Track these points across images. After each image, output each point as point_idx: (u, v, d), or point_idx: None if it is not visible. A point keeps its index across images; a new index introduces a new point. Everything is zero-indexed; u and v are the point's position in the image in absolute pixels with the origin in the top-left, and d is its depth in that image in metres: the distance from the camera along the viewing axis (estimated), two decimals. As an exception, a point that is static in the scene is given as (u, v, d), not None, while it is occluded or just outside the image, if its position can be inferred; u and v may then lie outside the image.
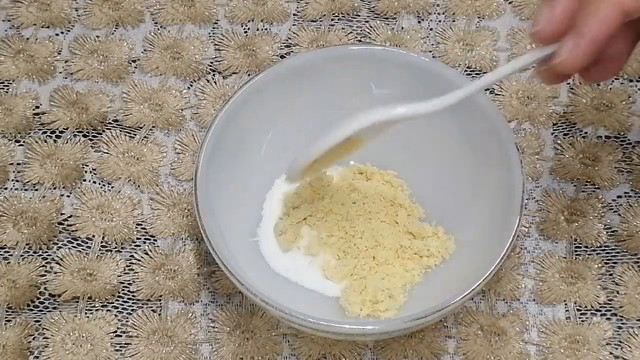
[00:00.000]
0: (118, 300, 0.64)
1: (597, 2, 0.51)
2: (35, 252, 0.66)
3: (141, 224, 0.67)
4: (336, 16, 0.76)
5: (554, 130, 0.71)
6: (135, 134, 0.71)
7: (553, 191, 0.68)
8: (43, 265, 0.66)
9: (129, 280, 0.65)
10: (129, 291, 0.65)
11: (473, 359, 0.62)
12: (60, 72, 0.73)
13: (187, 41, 0.74)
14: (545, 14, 0.52)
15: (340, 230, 0.64)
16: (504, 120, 0.62)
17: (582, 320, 0.64)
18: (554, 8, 0.52)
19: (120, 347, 0.63)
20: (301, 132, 0.66)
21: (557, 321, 0.64)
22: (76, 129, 0.71)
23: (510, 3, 0.76)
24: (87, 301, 0.64)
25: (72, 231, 0.67)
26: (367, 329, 0.57)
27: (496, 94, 0.72)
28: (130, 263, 0.66)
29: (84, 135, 0.71)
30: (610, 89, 0.72)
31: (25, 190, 0.69)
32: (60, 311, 0.64)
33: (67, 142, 0.70)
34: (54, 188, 0.68)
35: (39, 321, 0.64)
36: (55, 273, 0.65)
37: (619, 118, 0.71)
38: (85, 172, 0.69)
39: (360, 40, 0.74)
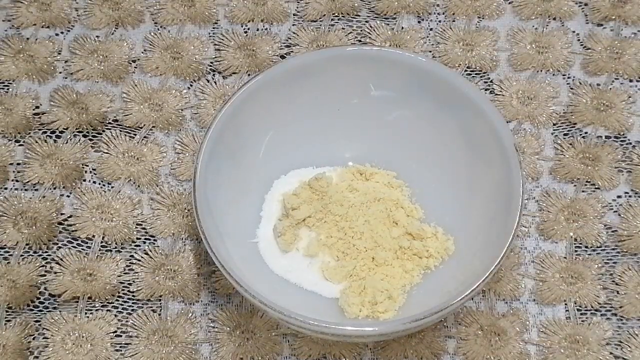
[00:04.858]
0: (118, 300, 0.65)
1: None
2: (35, 252, 0.66)
3: (141, 224, 0.67)
4: (336, 16, 0.76)
5: (554, 130, 0.71)
6: (135, 134, 0.71)
7: (553, 191, 0.68)
8: (43, 265, 0.66)
9: (129, 280, 0.65)
10: (129, 291, 0.65)
11: (473, 359, 0.62)
12: (60, 72, 0.73)
13: (187, 41, 0.74)
14: None
15: (340, 231, 0.64)
16: (504, 120, 0.62)
17: (582, 320, 0.64)
18: None
19: (120, 347, 0.63)
20: (300, 133, 0.66)
21: (557, 321, 0.64)
22: (76, 129, 0.71)
23: (510, 3, 0.76)
24: (87, 301, 0.64)
25: (72, 231, 0.67)
26: (366, 330, 0.57)
27: (496, 94, 0.72)
28: (130, 263, 0.66)
29: (84, 135, 0.71)
30: (610, 89, 0.72)
31: (25, 190, 0.69)
32: (60, 311, 0.64)
33: (67, 142, 0.70)
34: (54, 188, 0.69)
35: (39, 321, 0.64)
36: (55, 273, 0.65)
37: (619, 118, 0.71)
38: (85, 172, 0.69)
39: (360, 41, 0.74)
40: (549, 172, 0.69)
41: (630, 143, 0.70)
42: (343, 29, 0.75)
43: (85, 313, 0.64)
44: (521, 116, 0.71)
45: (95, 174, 0.69)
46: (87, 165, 0.69)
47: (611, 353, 0.63)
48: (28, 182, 0.69)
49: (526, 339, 0.63)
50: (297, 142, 0.67)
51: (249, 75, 0.73)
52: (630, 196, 0.68)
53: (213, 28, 0.75)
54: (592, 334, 0.63)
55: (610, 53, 0.73)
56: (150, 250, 0.66)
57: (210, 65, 0.74)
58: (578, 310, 0.64)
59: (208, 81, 0.73)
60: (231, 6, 0.76)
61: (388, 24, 0.75)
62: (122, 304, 0.64)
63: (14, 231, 0.67)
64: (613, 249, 0.66)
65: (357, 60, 0.65)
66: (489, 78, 0.73)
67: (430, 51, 0.74)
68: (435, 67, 0.65)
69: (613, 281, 0.65)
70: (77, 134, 0.71)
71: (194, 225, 0.65)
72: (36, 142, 0.70)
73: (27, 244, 0.66)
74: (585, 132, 0.70)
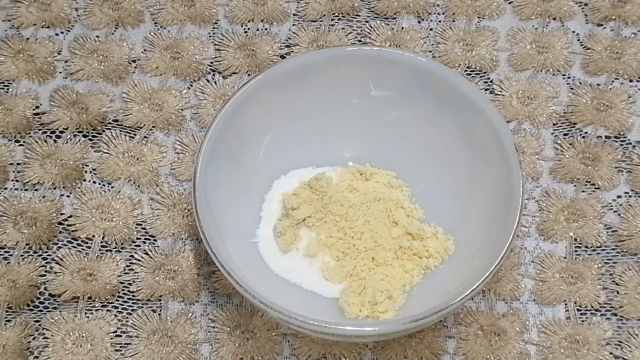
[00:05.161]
0: (118, 300, 0.65)
1: None
2: (35, 252, 0.66)
3: (141, 224, 0.67)
4: (336, 16, 0.76)
5: (554, 130, 0.71)
6: (135, 134, 0.71)
7: (553, 191, 0.68)
8: (43, 265, 0.66)
9: (129, 280, 0.65)
10: (129, 291, 0.65)
11: (473, 359, 0.62)
12: (60, 72, 0.73)
13: (187, 41, 0.74)
14: None
15: (340, 231, 0.64)
16: (504, 120, 0.62)
17: (582, 320, 0.64)
18: None
19: (120, 347, 0.63)
20: (300, 133, 0.66)
21: (557, 321, 0.64)
22: (76, 129, 0.71)
23: (510, 3, 0.76)
24: (87, 301, 0.64)
25: (72, 231, 0.67)
26: (366, 330, 0.57)
27: (496, 94, 0.72)
28: (130, 263, 0.66)
29: (84, 135, 0.71)
30: (610, 89, 0.72)
31: (25, 190, 0.69)
32: (60, 311, 0.64)
33: (67, 142, 0.70)
34: (54, 188, 0.69)
35: (39, 321, 0.64)
36: (55, 273, 0.65)
37: (619, 118, 0.71)
38: (85, 172, 0.69)
39: (360, 41, 0.74)
40: (549, 172, 0.69)
41: (630, 143, 0.70)
42: (343, 29, 0.75)
43: (85, 313, 0.64)
44: (521, 116, 0.71)
45: (95, 174, 0.69)
46: (87, 165, 0.69)
47: (611, 353, 0.63)
48: (28, 182, 0.69)
49: (526, 339, 0.63)
50: (297, 142, 0.67)
51: (249, 75, 0.73)
52: (630, 196, 0.68)
53: (213, 28, 0.75)
54: (592, 334, 0.63)
55: (610, 53, 0.73)
56: (150, 250, 0.66)
57: (210, 65, 0.74)
58: (578, 310, 0.64)
59: (208, 81, 0.73)
60: (231, 6, 0.76)
61: (388, 24, 0.75)
62: (122, 304, 0.64)
63: (14, 231, 0.67)
64: (613, 249, 0.66)
65: (357, 60, 0.65)
66: (489, 78, 0.73)
67: (430, 51, 0.74)
68: (435, 67, 0.65)
69: (613, 281, 0.65)
70: (77, 134, 0.71)
71: (194, 225, 0.65)
72: (36, 142, 0.70)
73: (27, 244, 0.66)
74: (585, 132, 0.70)
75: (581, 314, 0.64)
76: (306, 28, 0.75)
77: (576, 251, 0.66)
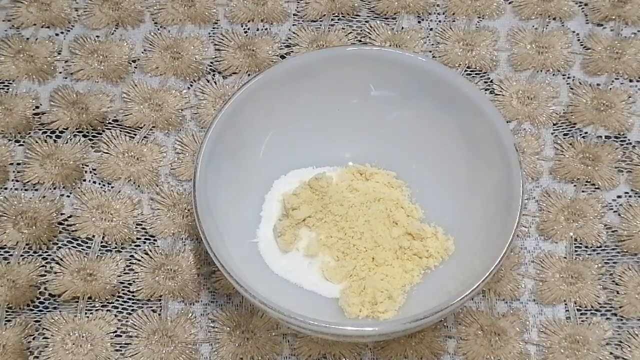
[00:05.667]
0: (118, 300, 0.65)
1: None
2: (35, 252, 0.66)
3: (141, 224, 0.67)
4: (336, 16, 0.76)
5: (554, 130, 0.71)
6: (135, 134, 0.71)
7: (553, 191, 0.68)
8: (43, 265, 0.66)
9: (129, 280, 0.65)
10: (129, 291, 0.65)
11: (473, 359, 0.62)
12: (60, 72, 0.73)
13: (187, 41, 0.74)
14: None
15: (340, 232, 0.64)
16: (504, 120, 0.62)
17: (582, 320, 0.64)
18: None
19: (120, 347, 0.63)
20: (300, 132, 0.66)
21: (557, 321, 0.64)
22: (76, 129, 0.71)
23: (510, 3, 0.76)
24: (87, 301, 0.64)
25: (72, 231, 0.67)
26: (366, 330, 0.57)
27: (496, 94, 0.72)
28: (130, 263, 0.66)
29: (84, 135, 0.71)
30: (610, 89, 0.72)
31: (25, 190, 0.69)
32: (60, 311, 0.64)
33: (67, 142, 0.70)
34: (54, 188, 0.69)
35: (39, 321, 0.64)
36: (55, 273, 0.65)
37: (619, 118, 0.71)
38: (85, 172, 0.69)
39: (360, 41, 0.74)
40: (549, 172, 0.69)
41: (630, 143, 0.70)
42: (343, 29, 0.75)
43: (85, 313, 0.64)
44: (521, 116, 0.71)
45: (95, 174, 0.69)
46: (87, 165, 0.69)
47: (611, 353, 0.63)
48: (28, 182, 0.69)
49: (526, 339, 0.63)
50: (297, 142, 0.67)
51: (249, 75, 0.73)
52: (630, 196, 0.68)
53: (213, 28, 0.75)
54: (592, 334, 0.63)
55: (610, 53, 0.73)
56: (150, 250, 0.66)
57: (210, 65, 0.74)
58: (578, 310, 0.64)
59: (208, 81, 0.73)
60: (231, 6, 0.76)
61: (388, 24, 0.75)
62: (122, 304, 0.64)
63: (14, 231, 0.67)
64: (613, 249, 0.66)
65: (357, 60, 0.65)
66: (489, 78, 0.73)
67: (430, 51, 0.74)
68: (435, 67, 0.65)
69: (613, 281, 0.65)
70: (77, 134, 0.71)
71: (194, 225, 0.65)
72: (36, 142, 0.70)
73: (27, 244, 0.66)
74: (585, 132, 0.70)
75: (581, 314, 0.64)
76: (306, 28, 0.75)
77: (576, 251, 0.66)
